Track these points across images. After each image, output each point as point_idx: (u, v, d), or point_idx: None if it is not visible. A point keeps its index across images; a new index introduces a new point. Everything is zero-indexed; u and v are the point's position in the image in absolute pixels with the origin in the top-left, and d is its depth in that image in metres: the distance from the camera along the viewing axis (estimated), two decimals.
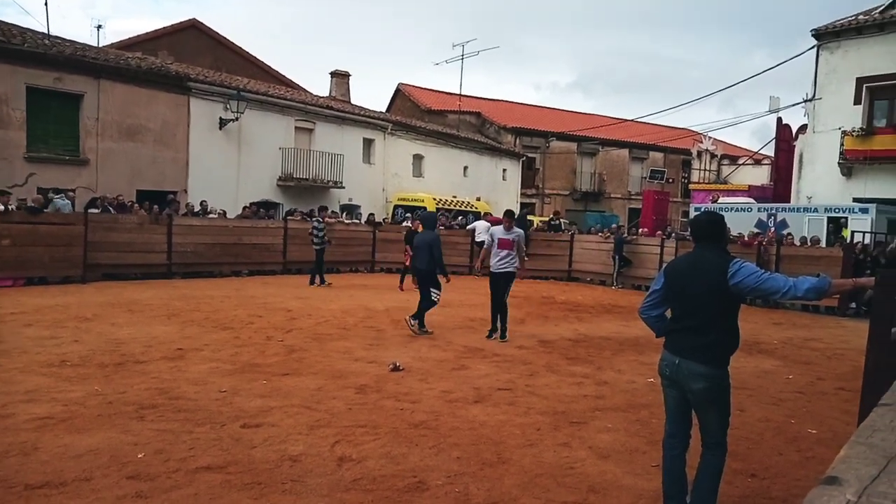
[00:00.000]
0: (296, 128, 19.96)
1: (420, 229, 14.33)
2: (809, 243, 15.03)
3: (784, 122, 23.42)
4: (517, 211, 22.71)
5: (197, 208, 15.46)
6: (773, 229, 16.99)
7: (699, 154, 29.78)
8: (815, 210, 17.57)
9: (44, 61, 14.33)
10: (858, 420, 3.11)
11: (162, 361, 6.45)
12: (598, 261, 17.59)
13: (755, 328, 10.51)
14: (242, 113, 17.67)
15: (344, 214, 19.37)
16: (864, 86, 18.22)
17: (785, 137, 23.03)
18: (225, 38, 25.22)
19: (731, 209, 18.70)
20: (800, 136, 21.24)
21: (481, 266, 9.28)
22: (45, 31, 16.47)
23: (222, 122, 17.73)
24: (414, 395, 5.62)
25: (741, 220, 17.71)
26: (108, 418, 4.66)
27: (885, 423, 1.77)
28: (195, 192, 16.75)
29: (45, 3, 16.66)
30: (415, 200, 21.39)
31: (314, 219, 14.94)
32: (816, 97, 19.19)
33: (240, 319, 9.11)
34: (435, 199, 21.36)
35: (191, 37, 24.03)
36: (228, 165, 18.07)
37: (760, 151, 29.36)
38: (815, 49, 19.29)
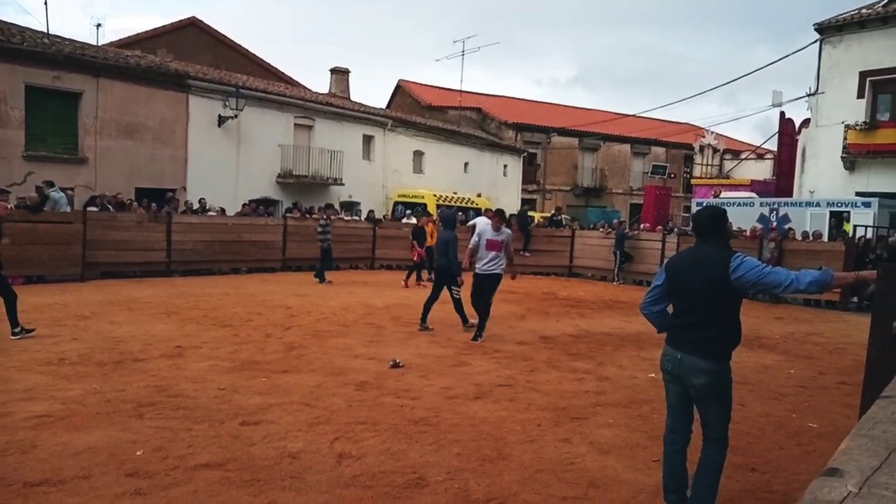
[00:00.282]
0: (295, 125, 19.92)
1: (423, 225, 14.48)
2: (811, 238, 14.99)
3: (787, 116, 23.37)
4: (517, 209, 22.80)
5: (196, 206, 15.45)
6: (774, 224, 16.95)
7: (701, 149, 29.70)
8: (818, 204, 17.51)
9: (43, 60, 14.30)
10: (860, 414, 3.09)
11: (161, 359, 6.44)
12: (600, 256, 17.57)
13: (756, 323, 10.48)
14: (241, 110, 17.65)
15: (343, 212, 19.36)
16: (868, 80, 18.15)
17: (788, 132, 22.96)
18: (224, 36, 25.18)
19: (734, 204, 18.64)
20: (803, 130, 21.16)
21: (470, 265, 8.82)
22: (44, 30, 16.49)
23: (221, 120, 17.71)
24: (414, 392, 5.61)
25: (743, 215, 17.67)
26: (106, 416, 4.65)
27: (886, 415, 1.75)
28: (194, 189, 16.74)
29: (45, 2, 16.73)
30: (415, 197, 21.36)
31: (322, 216, 15.02)
32: (819, 91, 19.13)
33: (239, 317, 9.10)
34: (435, 196, 21.31)
35: (190, 35, 23.99)
36: (227, 163, 18.04)
37: (763, 146, 29.29)
38: (818, 43, 19.22)
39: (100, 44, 20.57)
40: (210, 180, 17.16)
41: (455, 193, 23.07)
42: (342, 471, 3.85)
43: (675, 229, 17.91)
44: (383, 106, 30.28)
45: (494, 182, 27.79)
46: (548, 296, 13.39)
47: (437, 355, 7.16)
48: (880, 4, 18.43)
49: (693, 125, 31.83)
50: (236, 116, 17.69)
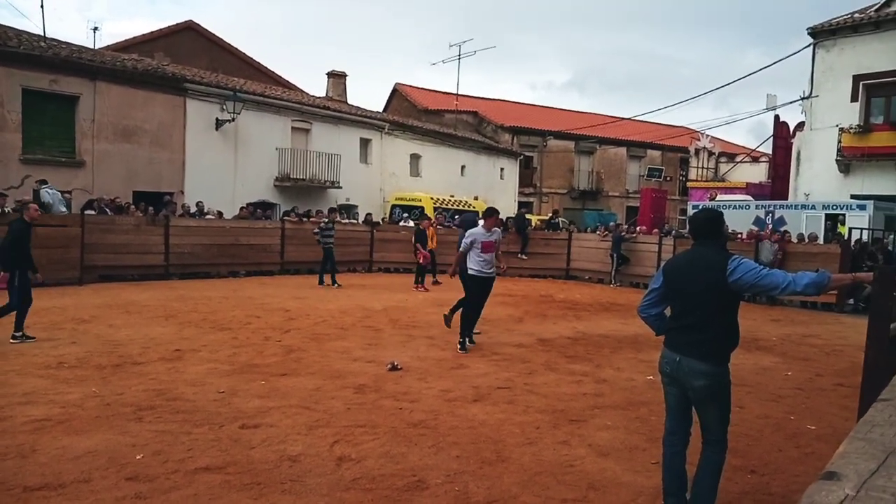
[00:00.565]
0: (292, 128, 19.93)
1: (424, 228, 14.50)
2: (807, 240, 15.05)
3: (781, 119, 23.48)
4: (514, 212, 22.79)
5: (193, 209, 15.43)
6: (770, 226, 17.01)
7: (697, 152, 29.83)
8: (813, 207, 17.60)
9: (39, 63, 14.30)
10: (858, 416, 3.11)
11: (160, 363, 6.44)
12: (597, 259, 17.60)
13: (754, 325, 10.51)
14: (239, 114, 17.66)
15: (338, 214, 19.34)
16: (861, 83, 18.27)
17: (782, 135, 23.07)
18: (221, 40, 25.19)
19: (729, 207, 18.72)
20: (797, 133, 21.28)
21: (455, 275, 8.02)
22: (41, 34, 16.44)
23: (219, 123, 17.70)
24: (413, 395, 5.62)
25: (739, 218, 17.75)
26: (106, 420, 4.64)
27: (884, 419, 1.77)
28: (192, 193, 16.72)
29: (41, 6, 16.68)
30: (412, 200, 21.36)
31: (323, 219, 15.07)
32: (813, 95, 19.23)
33: (238, 320, 9.10)
34: (432, 199, 21.33)
35: (187, 38, 23.98)
36: (225, 166, 18.04)
37: (758, 149, 29.41)
38: (812, 47, 19.34)
39: (97, 47, 20.54)
40: (208, 184, 17.15)
41: (452, 196, 23.09)
42: (342, 474, 3.86)
43: (672, 232, 17.97)
44: (380, 109, 30.28)
45: (491, 185, 27.83)
46: (545, 298, 13.41)
47: (435, 358, 7.16)
48: (873, 8, 18.56)
49: (689, 128, 31.89)
50: (234, 120, 17.70)
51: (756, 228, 16.81)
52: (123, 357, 6.60)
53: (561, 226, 20.82)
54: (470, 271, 7.67)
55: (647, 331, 3.94)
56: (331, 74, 26.58)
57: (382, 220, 20.03)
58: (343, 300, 11.63)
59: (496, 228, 7.95)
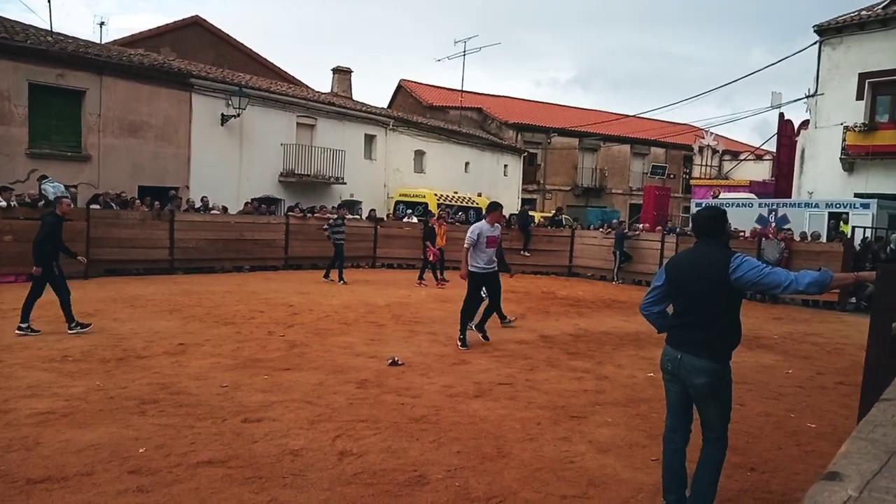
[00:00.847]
0: (297, 124, 19.94)
1: (434, 224, 14.50)
2: (810, 238, 15.02)
3: (786, 117, 23.37)
4: (518, 209, 22.79)
5: (198, 204, 15.48)
6: (773, 224, 16.97)
7: (700, 150, 29.70)
8: (817, 205, 17.54)
9: (46, 58, 14.33)
10: (859, 415, 3.11)
11: (163, 356, 6.48)
12: (599, 256, 17.60)
13: (755, 323, 10.51)
14: (244, 109, 17.67)
15: (347, 210, 19.37)
16: (867, 81, 18.17)
17: (787, 133, 22.97)
18: (227, 35, 25.20)
19: (733, 205, 18.66)
20: (801, 131, 21.18)
21: (467, 274, 7.73)
22: (48, 28, 16.48)
23: (224, 119, 17.73)
24: (415, 390, 5.64)
25: (742, 216, 17.69)
26: (109, 413, 4.67)
27: (886, 419, 1.76)
28: (197, 188, 16.76)
29: (48, 0, 16.66)
30: (416, 196, 21.37)
31: (332, 215, 15.10)
32: (818, 93, 19.14)
33: (241, 315, 9.13)
34: (436, 195, 21.32)
35: (193, 33, 24.01)
36: (230, 161, 18.07)
37: (762, 147, 29.29)
38: (817, 45, 19.23)
39: (103, 42, 20.59)
40: (213, 179, 17.20)
41: (456, 193, 23.08)
42: (343, 468, 3.88)
43: (675, 229, 17.93)
44: (385, 105, 30.28)
45: (495, 182, 27.80)
46: (547, 295, 13.41)
47: (437, 354, 7.19)
48: (880, 6, 18.44)
49: (692, 126, 31.78)
50: (239, 115, 17.71)
51: (759, 226, 16.76)
52: (127, 351, 6.64)
53: (564, 223, 20.80)
54: (472, 268, 7.68)
55: (648, 328, 3.94)
56: (336, 70, 26.57)
57: (386, 216, 20.04)
58: (346, 296, 11.66)
59: (498, 224, 7.94)
